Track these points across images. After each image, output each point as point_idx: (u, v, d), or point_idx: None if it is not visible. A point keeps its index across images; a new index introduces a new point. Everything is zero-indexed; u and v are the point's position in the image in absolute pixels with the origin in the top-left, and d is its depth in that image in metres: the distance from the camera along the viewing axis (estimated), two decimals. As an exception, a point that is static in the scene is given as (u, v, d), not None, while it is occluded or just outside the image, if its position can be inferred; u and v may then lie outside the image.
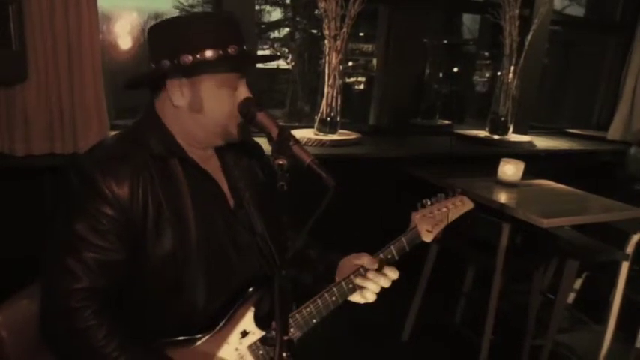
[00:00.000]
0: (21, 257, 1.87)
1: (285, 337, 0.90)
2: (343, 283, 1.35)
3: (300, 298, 1.35)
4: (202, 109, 1.24)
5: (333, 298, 1.34)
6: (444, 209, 1.46)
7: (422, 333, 2.98)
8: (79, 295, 1.14)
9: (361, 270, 1.36)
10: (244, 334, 1.30)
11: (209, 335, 1.27)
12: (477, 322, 2.73)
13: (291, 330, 1.28)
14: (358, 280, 1.35)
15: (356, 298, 1.39)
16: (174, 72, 1.22)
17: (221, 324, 1.28)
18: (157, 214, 1.21)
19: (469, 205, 1.50)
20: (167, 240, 1.22)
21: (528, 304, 2.81)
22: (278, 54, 1.21)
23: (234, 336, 1.29)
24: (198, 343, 1.26)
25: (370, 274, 1.35)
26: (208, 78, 1.23)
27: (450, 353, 2.91)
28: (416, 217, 1.43)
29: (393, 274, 1.36)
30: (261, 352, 1.32)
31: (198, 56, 1.19)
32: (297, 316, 1.32)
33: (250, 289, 1.32)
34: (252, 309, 1.31)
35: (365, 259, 1.37)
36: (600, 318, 2.94)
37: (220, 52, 1.20)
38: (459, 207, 1.48)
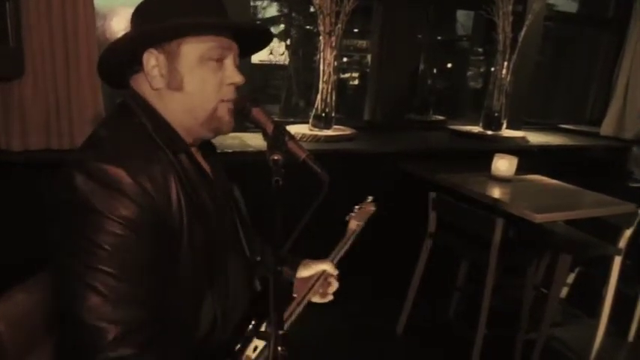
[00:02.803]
0: (18, 255, 1.87)
1: (281, 332, 0.88)
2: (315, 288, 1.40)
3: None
4: (183, 87, 1.10)
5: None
6: (363, 214, 1.74)
7: (416, 328, 3.00)
8: (135, 339, 0.98)
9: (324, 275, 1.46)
10: (254, 350, 1.20)
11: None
12: (470, 317, 2.75)
13: None
14: (331, 289, 1.48)
15: (317, 299, 1.48)
16: (147, 40, 1.09)
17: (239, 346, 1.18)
18: (191, 222, 1.08)
19: (373, 209, 1.80)
20: (200, 246, 1.10)
21: (522, 299, 2.83)
22: (267, 28, 1.17)
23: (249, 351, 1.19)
24: None
25: (334, 280, 1.47)
26: (187, 51, 1.09)
27: (443, 348, 2.92)
28: (352, 223, 1.69)
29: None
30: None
31: (174, 22, 1.07)
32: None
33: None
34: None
35: (328, 265, 1.46)
36: (593, 312, 2.97)
37: (197, 19, 1.09)
38: (369, 211, 1.78)
